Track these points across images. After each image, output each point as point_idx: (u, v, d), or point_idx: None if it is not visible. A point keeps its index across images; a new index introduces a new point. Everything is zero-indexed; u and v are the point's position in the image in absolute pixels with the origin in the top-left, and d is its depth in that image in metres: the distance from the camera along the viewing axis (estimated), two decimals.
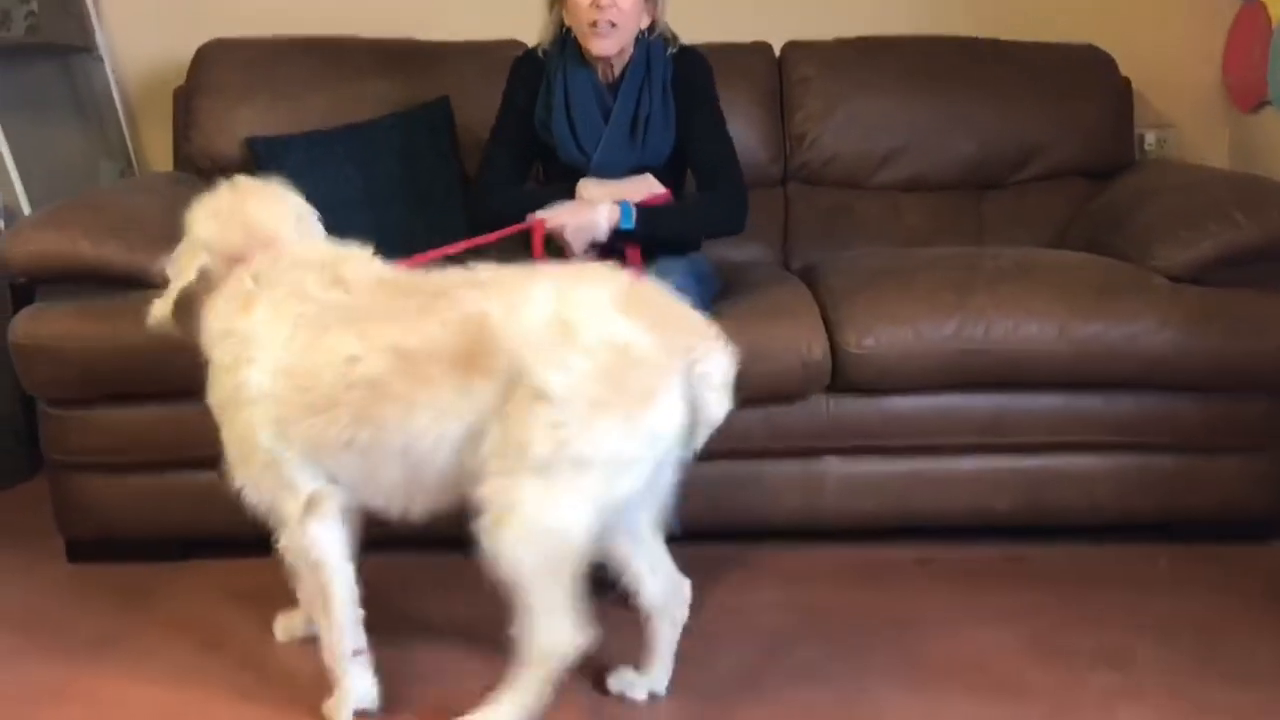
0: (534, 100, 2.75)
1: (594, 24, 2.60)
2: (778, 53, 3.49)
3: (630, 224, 2.59)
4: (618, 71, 2.71)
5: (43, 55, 3.57)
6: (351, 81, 3.34)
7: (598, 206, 2.58)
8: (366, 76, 3.35)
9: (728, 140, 2.77)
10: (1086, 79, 3.43)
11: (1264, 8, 3.44)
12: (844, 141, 3.39)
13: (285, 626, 2.45)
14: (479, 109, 3.28)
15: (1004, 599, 2.59)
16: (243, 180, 2.25)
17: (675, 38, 2.74)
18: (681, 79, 2.72)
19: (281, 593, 2.53)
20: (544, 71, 2.75)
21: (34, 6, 3.46)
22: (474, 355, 1.93)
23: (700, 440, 2.04)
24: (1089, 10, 3.70)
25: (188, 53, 3.40)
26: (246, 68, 3.35)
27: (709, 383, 1.98)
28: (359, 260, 2.17)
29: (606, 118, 2.70)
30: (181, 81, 3.43)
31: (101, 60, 3.63)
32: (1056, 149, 3.39)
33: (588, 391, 1.89)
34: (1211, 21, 3.66)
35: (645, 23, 2.69)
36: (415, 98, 3.31)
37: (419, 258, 2.36)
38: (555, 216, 2.58)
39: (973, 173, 3.39)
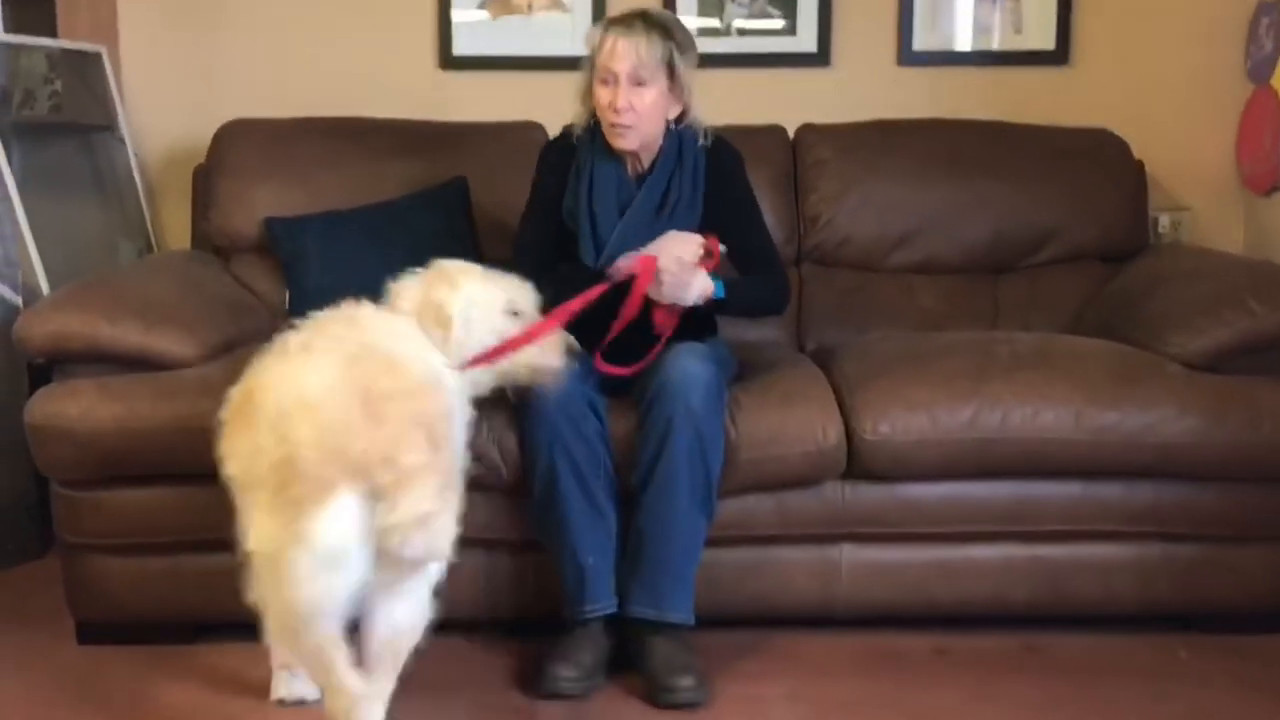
0: (563, 185, 2.75)
1: (613, 124, 2.64)
2: (792, 135, 3.52)
3: (722, 294, 2.62)
4: (647, 164, 2.72)
5: (65, 134, 3.61)
6: (369, 162, 3.38)
7: (699, 273, 2.58)
8: (384, 157, 3.38)
9: (766, 230, 2.82)
10: (1100, 163, 3.45)
11: (1275, 93, 3.47)
12: (858, 224, 3.40)
13: (286, 685, 2.46)
14: (496, 190, 3.33)
15: (1022, 690, 2.55)
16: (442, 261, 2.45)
17: (707, 130, 2.73)
18: (714, 171, 2.73)
19: None
20: (575, 157, 2.76)
21: (58, 86, 3.51)
22: (240, 415, 2.09)
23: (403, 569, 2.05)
24: (1101, 95, 3.73)
25: (208, 132, 3.44)
26: (265, 148, 3.39)
27: (390, 516, 1.93)
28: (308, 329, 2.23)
29: (624, 207, 2.70)
30: (201, 160, 3.47)
31: (123, 139, 3.68)
32: (1071, 232, 3.40)
33: (264, 484, 1.96)
34: (1224, 106, 3.69)
35: (674, 113, 2.69)
36: (432, 178, 3.34)
37: (558, 314, 2.44)
38: (664, 256, 2.55)
39: (987, 256, 3.40)
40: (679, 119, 2.71)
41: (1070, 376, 2.69)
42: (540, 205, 2.79)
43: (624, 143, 2.66)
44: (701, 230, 2.68)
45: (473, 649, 2.63)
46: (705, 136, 2.73)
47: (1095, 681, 2.59)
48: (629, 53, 2.59)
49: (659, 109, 2.65)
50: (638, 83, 2.60)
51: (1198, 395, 2.67)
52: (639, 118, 2.63)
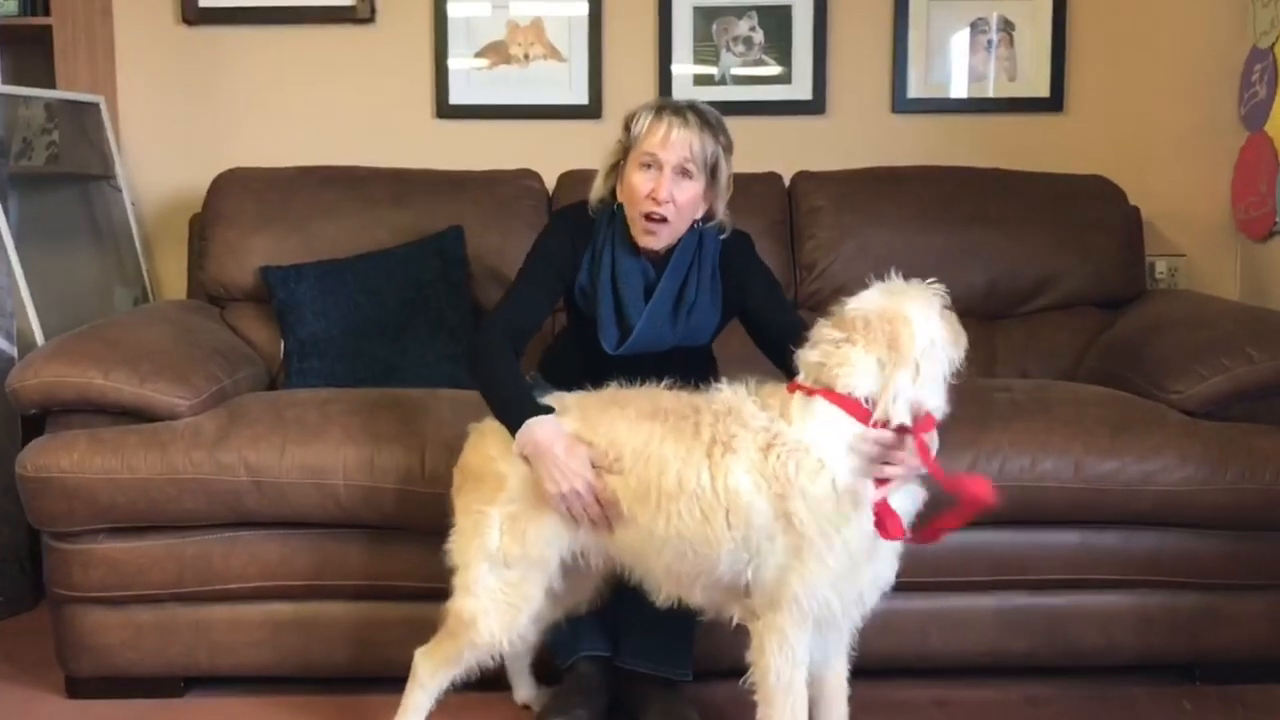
0: (574, 259, 2.57)
1: (647, 216, 2.45)
2: (787, 183, 3.52)
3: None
4: (663, 251, 2.55)
5: (63, 183, 3.62)
6: (365, 210, 3.38)
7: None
8: (380, 206, 3.38)
9: (792, 309, 2.69)
10: (1096, 209, 3.45)
11: (1269, 139, 3.48)
12: (854, 271, 3.37)
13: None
14: (492, 239, 3.34)
15: None
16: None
17: (724, 225, 2.58)
18: (730, 260, 2.60)
19: None
20: (592, 233, 2.58)
21: (55, 136, 3.52)
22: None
23: None
24: (1096, 141, 3.75)
25: (205, 182, 3.45)
26: (261, 196, 3.39)
27: None
28: None
29: (649, 292, 2.54)
30: (198, 210, 3.47)
31: (120, 189, 3.68)
32: (1067, 279, 3.40)
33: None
34: (1218, 152, 3.70)
35: (700, 213, 2.52)
36: (428, 227, 3.33)
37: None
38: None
39: (984, 302, 3.39)
40: (704, 218, 2.54)
41: (1069, 425, 2.67)
42: (545, 270, 2.57)
43: (653, 242, 2.48)
44: (726, 316, 2.63)
45: (469, 704, 2.59)
46: (726, 230, 2.58)
47: None
48: (683, 144, 2.42)
49: (695, 207, 2.49)
50: (683, 175, 2.44)
51: (1197, 443, 2.65)
52: (677, 211, 2.45)
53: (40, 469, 2.60)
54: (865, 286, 3.33)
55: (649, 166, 2.45)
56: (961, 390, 2.87)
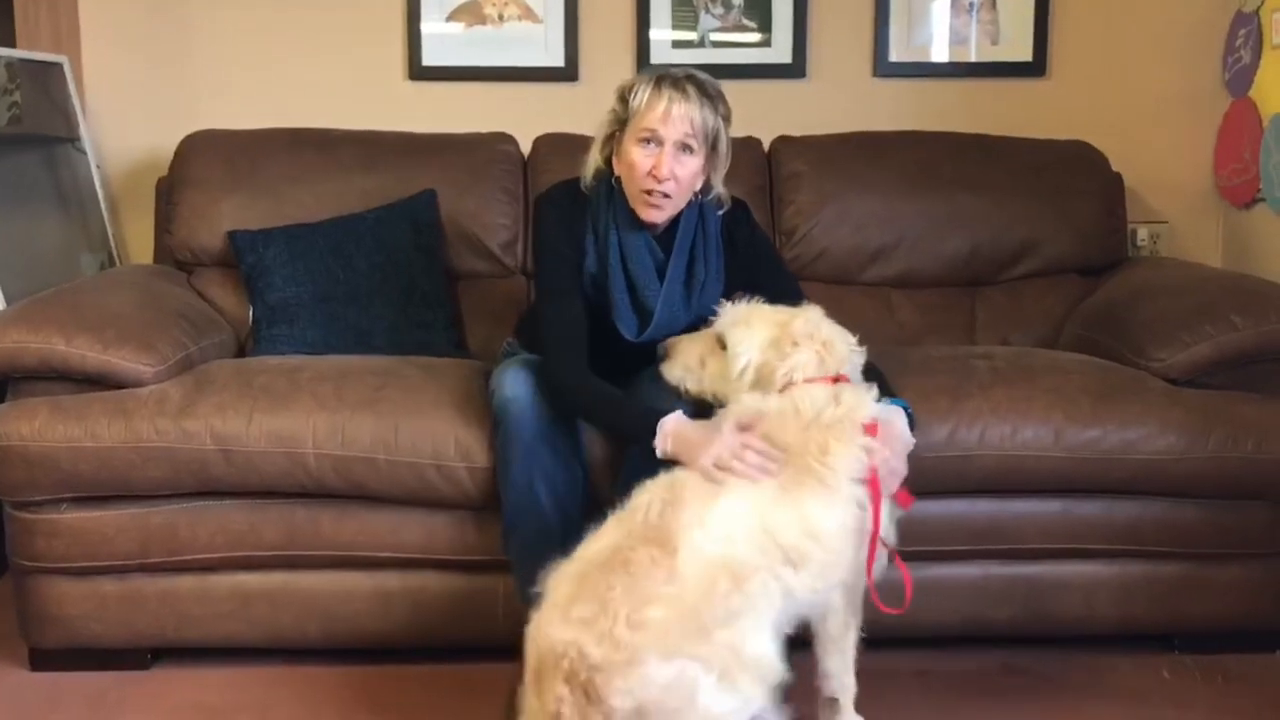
0: (578, 244, 2.51)
1: (648, 192, 2.41)
2: (767, 147, 3.47)
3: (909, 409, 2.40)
4: (664, 226, 2.52)
5: (25, 146, 3.54)
6: (335, 174, 3.31)
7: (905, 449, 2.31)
8: (351, 169, 3.32)
9: (794, 279, 2.65)
10: (1078, 176, 3.42)
11: (1254, 105, 3.45)
12: (834, 237, 3.36)
13: None
14: (466, 203, 3.29)
15: (1003, 713, 2.51)
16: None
17: (723, 198, 2.55)
18: (732, 232, 2.57)
19: (251, 706, 2.46)
20: (587, 213, 2.51)
21: (18, 98, 3.44)
22: None
23: None
24: (1079, 107, 3.71)
25: (171, 144, 3.38)
26: (230, 160, 3.32)
27: None
28: None
29: (661, 274, 2.51)
30: (165, 173, 3.40)
31: (84, 151, 3.61)
32: (1049, 246, 3.37)
33: None
34: (1202, 118, 3.68)
35: (699, 185, 2.48)
36: (401, 191, 3.27)
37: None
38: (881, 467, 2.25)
39: (965, 269, 3.37)
40: (702, 190, 2.50)
41: (1050, 393, 2.64)
42: (564, 270, 2.48)
43: (656, 215, 2.44)
44: (729, 292, 2.52)
45: (439, 676, 2.56)
46: (725, 203, 2.55)
47: (1077, 703, 2.55)
48: (684, 119, 2.37)
49: (694, 183, 2.45)
50: (684, 150, 2.40)
51: (1179, 412, 2.63)
52: (679, 188, 2.42)
53: (1, 437, 2.54)
54: (846, 251, 3.34)
55: (649, 142, 2.40)
56: (943, 357, 2.87)
